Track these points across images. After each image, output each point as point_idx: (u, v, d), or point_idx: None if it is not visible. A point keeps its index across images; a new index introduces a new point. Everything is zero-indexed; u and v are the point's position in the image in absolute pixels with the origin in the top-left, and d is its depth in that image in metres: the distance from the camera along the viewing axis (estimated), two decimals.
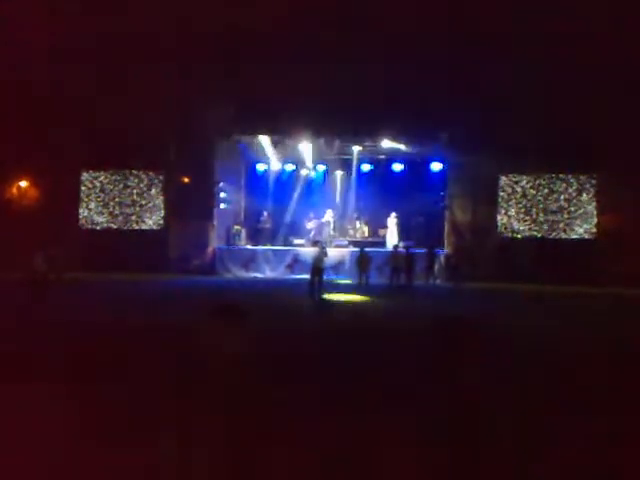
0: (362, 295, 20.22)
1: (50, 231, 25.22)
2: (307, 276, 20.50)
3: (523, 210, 25.75)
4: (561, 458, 5.85)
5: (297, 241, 26.57)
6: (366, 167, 28.15)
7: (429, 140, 25.80)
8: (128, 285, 22.11)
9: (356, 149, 27.32)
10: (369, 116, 24.29)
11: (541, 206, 25.64)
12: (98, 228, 27.68)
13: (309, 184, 28.71)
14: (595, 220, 25.28)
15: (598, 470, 5.61)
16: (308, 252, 23.65)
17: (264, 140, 27.02)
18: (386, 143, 26.17)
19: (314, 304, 17.81)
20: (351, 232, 27.34)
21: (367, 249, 23.13)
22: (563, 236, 25.47)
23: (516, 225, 25.79)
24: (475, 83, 23.80)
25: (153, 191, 27.58)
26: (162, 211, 27.49)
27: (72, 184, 27.56)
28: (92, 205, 27.78)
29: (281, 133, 26.35)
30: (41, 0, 24.90)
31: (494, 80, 23.82)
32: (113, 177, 27.74)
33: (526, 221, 25.75)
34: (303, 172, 28.65)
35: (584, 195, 25.41)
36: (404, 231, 25.99)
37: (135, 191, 27.62)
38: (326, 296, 19.16)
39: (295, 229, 27.45)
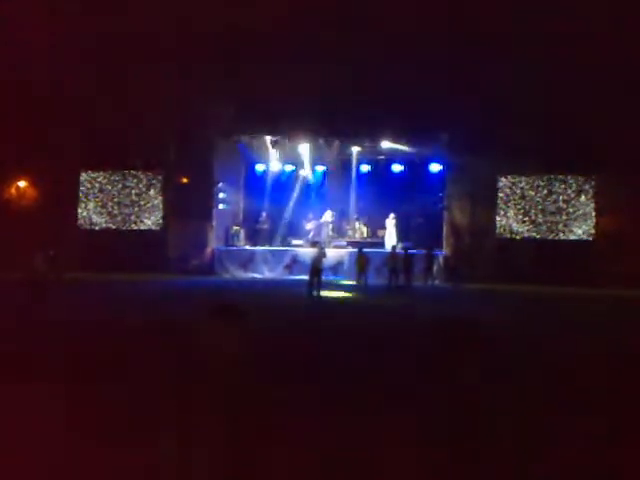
0: (360, 295, 20.25)
1: (49, 231, 25.23)
2: (306, 277, 20.52)
3: (522, 211, 25.76)
4: (561, 458, 5.85)
5: (296, 242, 26.57)
6: (365, 168, 28.13)
7: (428, 141, 25.80)
8: (127, 285, 22.10)
9: (355, 150, 27.30)
10: (368, 117, 24.30)
11: (540, 207, 25.65)
12: (97, 228, 27.67)
13: (308, 185, 28.69)
14: (594, 221, 25.29)
15: (598, 470, 5.62)
16: (307, 253, 23.66)
17: (264, 140, 27.01)
18: (385, 144, 26.17)
19: (313, 304, 17.83)
20: (350, 233, 27.32)
21: (366, 250, 23.12)
22: (562, 237, 25.48)
23: (515, 226, 25.79)
24: (474, 84, 23.81)
25: (152, 191, 27.58)
26: (161, 211, 27.48)
27: (71, 184, 27.56)
28: (91, 205, 27.77)
29: (281, 133, 26.35)
30: (41, 0, 24.87)
31: (493, 81, 23.83)
32: (112, 177, 27.72)
33: (525, 222, 25.75)
34: (302, 173, 28.62)
35: (583, 196, 25.42)
36: (403, 232, 25.98)
37: (134, 191, 27.61)
38: (324, 293, 19.23)
39: (294, 230, 27.44)
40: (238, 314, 6.84)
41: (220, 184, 26.76)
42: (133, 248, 25.98)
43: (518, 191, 25.85)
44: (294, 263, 25.44)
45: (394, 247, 23.29)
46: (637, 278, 22.79)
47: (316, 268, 19.80)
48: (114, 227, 27.63)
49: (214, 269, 25.96)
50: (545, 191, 25.64)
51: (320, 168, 28.60)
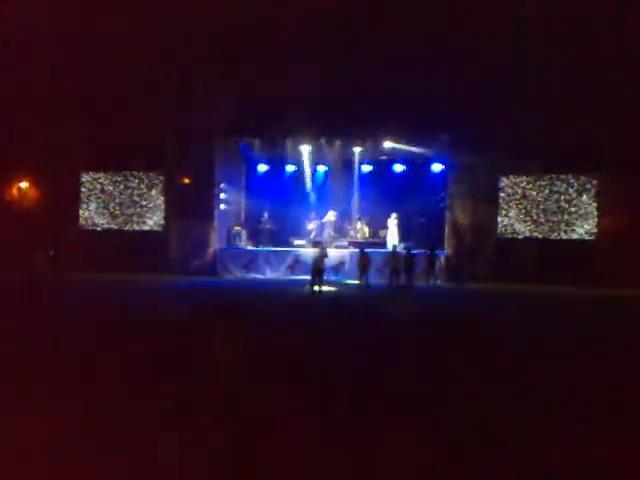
0: (362, 295, 20.26)
1: (50, 232, 25.27)
2: (308, 277, 20.55)
3: (523, 211, 25.73)
4: (561, 458, 5.84)
5: (297, 242, 26.56)
6: (367, 168, 28.11)
7: (430, 141, 25.79)
8: (128, 286, 22.12)
9: (357, 150, 27.29)
10: (370, 117, 24.28)
11: (541, 207, 25.62)
12: (99, 229, 27.68)
13: (310, 185, 28.68)
14: (595, 221, 25.26)
15: (598, 470, 5.60)
16: (309, 253, 23.66)
17: (265, 140, 27.04)
18: (387, 144, 26.16)
19: (314, 304, 17.84)
20: (352, 233, 27.31)
21: (367, 250, 23.11)
22: (564, 237, 25.44)
23: (517, 226, 25.77)
24: (476, 84, 23.78)
25: (153, 192, 27.58)
26: (162, 212, 27.49)
27: (72, 185, 27.58)
28: (92, 206, 27.79)
29: (281, 133, 26.33)
30: (41, 0, 24.87)
31: (495, 81, 23.82)
32: (113, 178, 27.74)
33: (526, 222, 25.72)
34: (304, 173, 28.62)
35: (584, 196, 25.39)
36: (405, 232, 25.97)
37: (136, 192, 27.62)
38: (325, 293, 19.29)
39: (296, 230, 27.42)
40: (240, 314, 6.85)
41: (221, 184, 26.76)
42: (135, 249, 25.99)
43: (520, 191, 25.82)
44: (296, 263, 25.43)
45: (395, 247, 23.29)
46: (639, 277, 22.74)
47: (318, 268, 19.83)
48: (116, 227, 27.64)
49: (216, 270, 25.94)
50: (547, 190, 25.61)
51: (322, 168, 28.59)
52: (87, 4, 24.53)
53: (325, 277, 20.75)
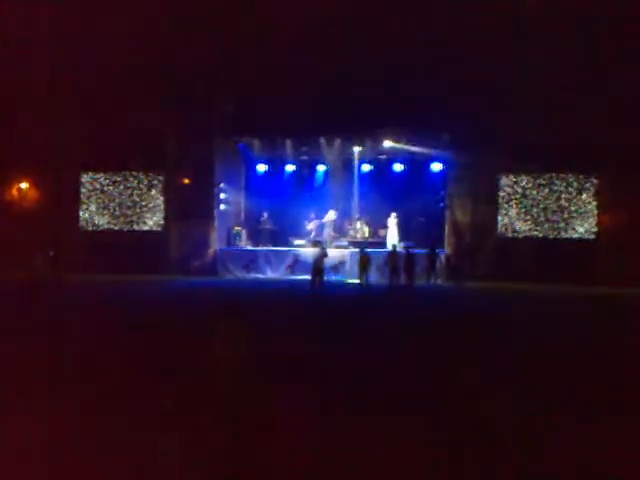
0: (362, 295, 20.26)
1: (50, 232, 25.26)
2: (308, 277, 20.55)
3: (523, 210, 25.71)
4: (561, 458, 5.84)
5: (297, 242, 26.55)
6: (366, 167, 28.10)
7: (430, 140, 25.77)
8: (128, 286, 22.12)
9: (357, 149, 27.28)
10: (370, 117, 24.26)
11: (541, 206, 25.59)
12: (99, 229, 27.66)
13: (309, 184, 28.69)
14: (595, 219, 25.25)
15: (598, 470, 5.60)
16: (308, 253, 23.65)
17: (264, 140, 27.07)
18: (387, 143, 26.16)
19: (315, 304, 17.84)
20: (351, 232, 27.30)
21: (367, 249, 23.08)
22: (563, 236, 25.42)
23: (516, 225, 25.76)
24: (476, 83, 23.77)
25: (153, 192, 27.55)
26: (162, 212, 27.46)
27: (72, 185, 27.55)
28: (92, 207, 27.76)
29: (281, 133, 26.32)
30: (41, 0, 24.87)
31: (495, 81, 23.81)
32: (113, 178, 27.71)
33: (526, 221, 25.71)
34: (303, 172, 28.64)
35: (584, 194, 25.37)
36: (404, 231, 25.95)
37: (135, 192, 27.58)
38: (325, 293, 19.29)
39: (295, 230, 27.41)
40: (242, 314, 6.85)
41: (221, 184, 26.75)
42: (135, 249, 25.98)
43: (519, 190, 25.79)
44: (296, 263, 25.42)
45: (395, 246, 23.27)
46: (639, 276, 22.73)
47: (318, 268, 19.83)
48: (116, 228, 27.62)
49: (216, 270, 25.93)
50: (547, 189, 25.59)
51: (321, 168, 28.59)
52: (87, 4, 24.52)
53: (325, 277, 20.75)
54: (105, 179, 27.75)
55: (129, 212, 27.60)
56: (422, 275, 23.33)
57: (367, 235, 27.10)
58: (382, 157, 27.84)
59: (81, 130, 26.07)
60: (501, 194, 25.87)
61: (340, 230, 27.40)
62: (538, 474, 5.54)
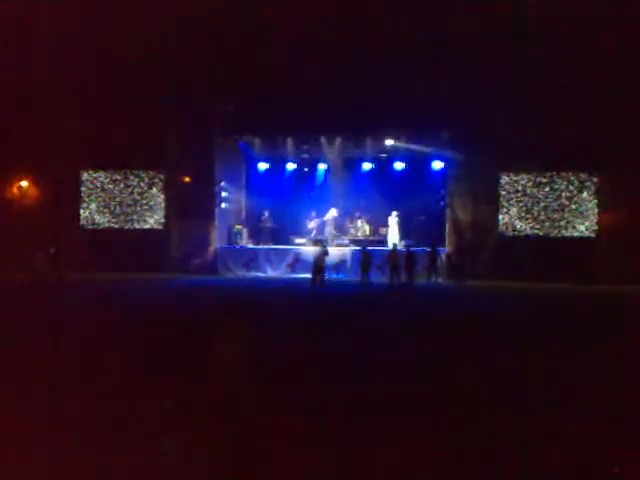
0: (363, 293, 20.27)
1: (51, 231, 25.25)
2: (308, 275, 20.55)
3: (524, 208, 25.71)
4: (561, 458, 5.84)
5: (298, 240, 26.54)
6: (367, 166, 28.10)
7: (430, 139, 25.78)
8: (129, 285, 22.13)
9: (357, 148, 27.29)
10: (370, 115, 24.25)
11: (542, 204, 25.60)
12: (99, 228, 27.65)
13: (310, 183, 28.69)
14: (596, 218, 25.24)
15: (598, 470, 5.61)
16: (309, 251, 23.65)
17: (265, 139, 27.09)
18: (387, 142, 26.17)
19: (315, 302, 17.86)
20: (352, 231, 27.31)
21: (369, 248, 23.07)
22: (564, 234, 25.43)
23: (517, 223, 25.76)
24: (476, 82, 23.77)
25: (154, 190, 27.55)
26: (163, 210, 27.45)
27: (73, 184, 27.54)
28: (93, 205, 27.75)
29: (282, 132, 26.32)
30: (41, 0, 24.86)
31: (495, 79, 23.81)
32: (114, 177, 27.70)
33: (527, 219, 25.71)
34: (304, 171, 28.64)
35: (585, 193, 25.37)
36: (405, 230, 25.95)
37: (136, 190, 27.58)
38: (326, 291, 19.31)
39: (296, 228, 27.40)
40: (243, 313, 6.85)
41: (222, 183, 26.73)
42: (135, 247, 25.97)
43: (520, 188, 25.78)
44: (297, 262, 25.42)
45: (395, 245, 23.28)
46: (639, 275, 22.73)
47: (319, 266, 19.84)
48: (116, 226, 27.61)
49: (217, 268, 25.94)
50: (547, 188, 25.58)
51: (322, 166, 28.58)
52: (87, 4, 24.51)
53: (326, 275, 20.75)
54: (105, 177, 27.74)
55: (130, 210, 27.59)
56: (423, 274, 23.35)
57: (368, 233, 27.12)
58: (383, 156, 27.84)
59: (81, 130, 26.07)
60: (501, 192, 25.87)
61: (341, 228, 27.40)
62: (538, 474, 5.54)
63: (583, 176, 25.38)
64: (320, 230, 26.62)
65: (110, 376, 8.25)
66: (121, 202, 27.65)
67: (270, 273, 25.55)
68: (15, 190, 27.99)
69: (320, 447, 6.08)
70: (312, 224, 26.91)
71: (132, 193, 27.59)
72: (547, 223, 25.52)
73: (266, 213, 27.43)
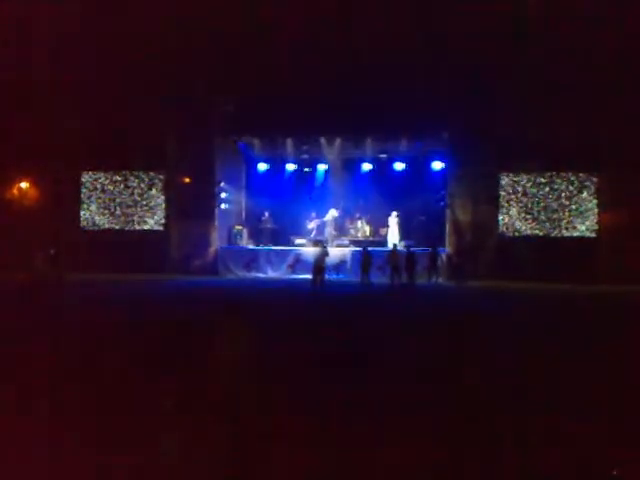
0: (363, 294, 20.25)
1: (51, 232, 25.26)
2: (309, 276, 20.54)
3: (524, 208, 25.73)
4: (561, 458, 5.83)
5: (298, 241, 26.54)
6: (367, 166, 28.11)
7: (430, 139, 25.79)
8: (129, 285, 22.12)
9: (357, 148, 27.29)
10: (370, 115, 24.26)
11: (542, 204, 25.61)
12: (99, 229, 27.65)
13: (310, 183, 28.70)
14: (596, 218, 25.25)
15: (598, 470, 5.60)
16: (309, 252, 23.64)
17: (264, 139, 27.11)
18: (387, 142, 26.19)
19: (315, 303, 17.85)
20: (352, 231, 27.32)
21: (369, 248, 23.06)
22: (564, 234, 25.44)
23: (517, 223, 25.76)
24: (476, 82, 23.78)
25: (154, 191, 27.55)
26: (163, 211, 27.45)
27: (73, 185, 27.54)
28: (93, 206, 27.75)
29: (282, 133, 26.32)
30: (41, 0, 24.86)
31: (495, 79, 23.82)
32: (114, 178, 27.70)
33: (527, 219, 25.71)
34: (304, 171, 28.65)
35: (585, 192, 25.38)
36: (405, 230, 25.96)
37: (136, 191, 27.58)
38: (326, 292, 19.31)
39: (296, 229, 27.40)
40: (241, 314, 6.85)
41: (222, 184, 26.73)
42: (135, 248, 25.98)
43: (520, 188, 25.80)
44: (297, 262, 25.42)
45: (395, 245, 23.27)
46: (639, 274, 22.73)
47: (319, 267, 19.83)
48: (116, 227, 27.61)
49: (217, 269, 25.94)
50: (547, 188, 25.59)
51: (322, 167, 28.59)
52: (87, 4, 24.52)
53: (326, 276, 20.74)
54: (105, 178, 27.75)
55: (130, 211, 27.59)
56: (423, 274, 23.33)
57: (368, 234, 27.12)
58: (382, 156, 27.84)
59: (81, 130, 26.08)
60: (501, 193, 25.88)
61: (341, 229, 27.41)
62: (538, 474, 5.54)
63: (583, 176, 25.40)
64: (320, 231, 26.63)
65: (110, 376, 8.25)
66: (121, 203, 27.66)
67: (270, 274, 25.54)
68: (15, 191, 27.98)
69: (320, 447, 6.07)
70: (312, 225, 26.91)
71: (132, 194, 27.59)
72: (547, 223, 25.53)
73: (266, 214, 27.43)
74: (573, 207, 25.42)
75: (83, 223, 27.71)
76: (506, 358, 9.62)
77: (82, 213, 27.71)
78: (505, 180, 25.91)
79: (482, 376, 7.85)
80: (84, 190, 27.76)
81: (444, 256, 24.71)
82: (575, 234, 25.36)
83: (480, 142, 24.49)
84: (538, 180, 25.64)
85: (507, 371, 8.74)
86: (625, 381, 8.31)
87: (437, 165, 26.90)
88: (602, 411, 7.01)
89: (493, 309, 16.61)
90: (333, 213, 26.79)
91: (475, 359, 9.07)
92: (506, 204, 25.87)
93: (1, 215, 27.07)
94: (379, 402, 7.33)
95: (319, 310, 16.07)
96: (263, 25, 23.89)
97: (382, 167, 28.01)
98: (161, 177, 27.50)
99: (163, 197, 27.47)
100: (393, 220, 25.89)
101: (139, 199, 27.59)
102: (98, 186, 27.78)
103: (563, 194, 25.49)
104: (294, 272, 25.23)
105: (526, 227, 25.70)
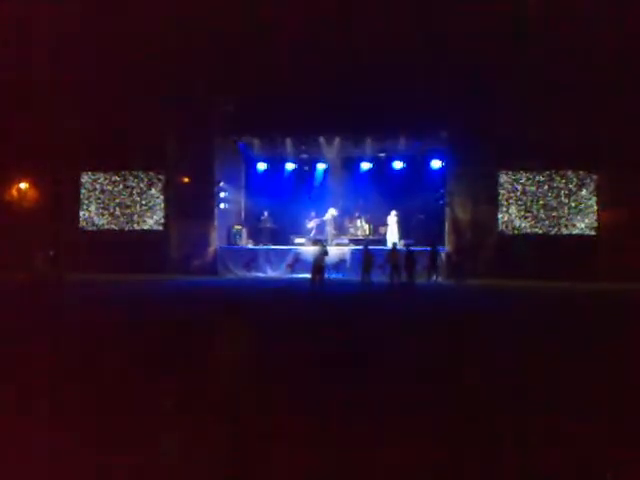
0: (363, 293, 20.26)
1: (51, 232, 25.27)
2: (308, 275, 20.54)
3: (523, 207, 25.73)
4: (561, 458, 5.84)
5: (298, 240, 26.55)
6: (366, 165, 28.13)
7: (429, 138, 25.81)
8: (128, 286, 22.12)
9: (357, 147, 27.30)
10: (369, 115, 24.26)
11: (541, 202, 25.62)
12: (99, 229, 27.65)
13: (309, 183, 28.72)
14: (595, 216, 25.26)
15: (598, 470, 5.60)
16: (309, 251, 23.64)
17: (264, 139, 27.12)
18: (387, 141, 26.20)
19: (315, 302, 17.84)
20: (352, 230, 27.33)
21: (369, 247, 23.05)
22: (564, 232, 25.44)
23: (516, 222, 25.77)
24: (476, 82, 23.78)
25: (153, 191, 27.56)
26: (162, 211, 27.46)
27: (72, 185, 27.55)
28: (92, 206, 27.76)
29: (281, 132, 26.33)
30: (41, 0, 24.86)
31: (495, 79, 23.82)
32: (113, 178, 27.70)
33: (526, 218, 25.72)
34: (304, 171, 28.67)
35: (584, 190, 25.39)
36: (404, 229, 25.97)
37: (135, 191, 27.59)
38: (326, 291, 19.30)
39: (296, 228, 27.41)
40: (240, 314, 6.86)
41: (221, 183, 26.73)
42: (135, 248, 25.99)
43: (519, 187, 25.81)
44: (296, 262, 25.42)
45: (395, 244, 23.27)
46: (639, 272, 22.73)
47: (318, 266, 19.82)
48: (116, 227, 27.62)
49: (216, 269, 25.95)
50: (546, 186, 25.61)
51: (321, 166, 28.60)
52: (87, 4, 24.52)
53: (326, 275, 20.74)
54: (105, 179, 27.76)
55: (129, 211, 27.61)
56: (423, 273, 23.33)
57: (367, 233, 27.13)
58: (382, 155, 27.86)
59: (81, 130, 26.08)
60: (501, 191, 25.89)
61: (340, 228, 27.42)
62: (538, 474, 5.54)
63: (582, 174, 25.42)
64: (320, 230, 26.64)
65: (110, 376, 8.25)
66: (120, 203, 27.67)
67: (270, 273, 25.55)
68: (15, 191, 27.98)
69: (320, 447, 6.07)
70: (311, 224, 26.92)
71: (131, 194, 27.60)
72: (547, 221, 25.55)
73: (265, 213, 27.45)
74: (572, 205, 25.43)
75: (82, 223, 27.72)
76: (506, 357, 9.62)
77: (82, 213, 27.73)
78: (504, 178, 25.92)
79: (482, 376, 7.85)
80: (83, 190, 27.78)
81: (444, 255, 24.71)
82: (574, 232, 25.38)
83: (480, 141, 24.50)
84: (537, 178, 25.65)
85: (507, 371, 8.74)
86: (625, 381, 8.31)
87: (436, 164, 26.92)
88: (602, 411, 7.01)
89: (493, 308, 16.62)
90: (332, 212, 26.79)
91: (475, 358, 9.07)
92: (505, 202, 25.88)
93: (1, 215, 27.09)
94: (379, 402, 7.33)
95: (319, 309, 16.07)
96: (263, 25, 23.90)
97: (381, 166, 28.03)
98: (161, 177, 27.51)
99: (162, 197, 27.48)
100: (392, 219, 25.89)
101: (138, 199, 27.60)
102: (97, 186, 27.79)
103: (562, 192, 25.50)
104: (293, 271, 25.24)
105: (525, 225, 25.71)
